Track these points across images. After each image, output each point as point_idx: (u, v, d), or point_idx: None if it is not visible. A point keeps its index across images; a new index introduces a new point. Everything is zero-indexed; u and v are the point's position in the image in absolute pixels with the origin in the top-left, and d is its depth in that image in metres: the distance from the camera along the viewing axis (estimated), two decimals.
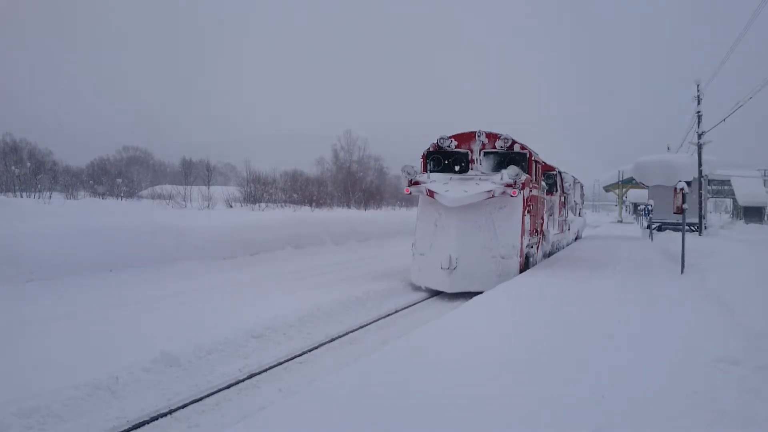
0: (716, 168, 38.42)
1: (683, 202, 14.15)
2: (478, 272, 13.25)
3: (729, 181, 58.31)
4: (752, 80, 22.83)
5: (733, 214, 65.26)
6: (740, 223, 52.02)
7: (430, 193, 13.73)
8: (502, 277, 13.08)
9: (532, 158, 15.46)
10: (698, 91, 28.22)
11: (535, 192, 15.96)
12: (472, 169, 15.08)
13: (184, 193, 39.80)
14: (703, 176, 29.57)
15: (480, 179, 14.32)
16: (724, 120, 25.37)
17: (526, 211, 14.64)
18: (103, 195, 50.55)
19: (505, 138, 14.98)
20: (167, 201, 38.50)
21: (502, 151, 15.03)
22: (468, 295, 12.12)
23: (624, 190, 66.84)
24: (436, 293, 13.50)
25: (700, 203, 29.53)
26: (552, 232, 19.82)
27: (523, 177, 14.16)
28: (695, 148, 28.82)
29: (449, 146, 15.26)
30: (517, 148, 15.08)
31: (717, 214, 73.44)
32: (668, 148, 41.43)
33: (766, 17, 20.87)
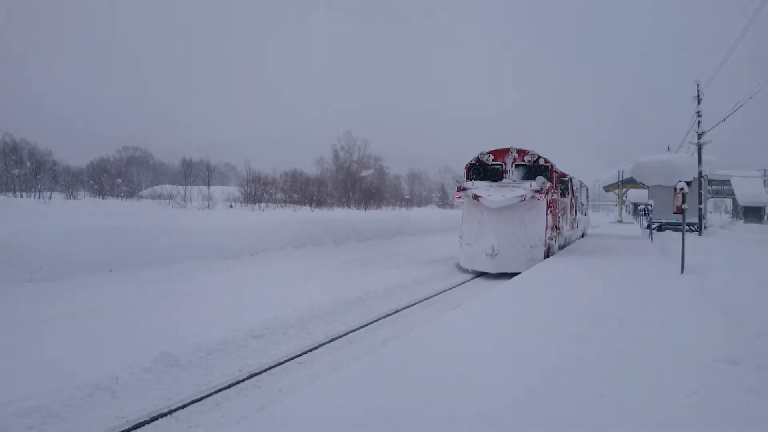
0: (716, 168, 38.34)
1: (683, 202, 14.15)
2: (514, 258, 17.03)
3: (729, 181, 58.23)
4: (752, 80, 22.85)
5: (733, 214, 65.21)
6: (740, 223, 51.94)
7: (476, 197, 17.60)
8: (531, 262, 16.90)
9: (553, 169, 19.26)
10: (698, 91, 28.19)
11: (554, 196, 19.81)
12: (505, 178, 18.85)
13: (184, 193, 39.68)
14: (702, 176, 29.50)
15: (513, 186, 18.03)
16: (724, 120, 25.34)
17: (548, 211, 18.52)
18: (103, 195, 50.57)
19: (532, 154, 18.88)
20: (167, 201, 38.43)
21: (529, 163, 18.86)
22: (504, 275, 16.18)
23: (624, 190, 66.83)
24: (480, 274, 17.29)
25: (700, 203, 29.49)
26: (565, 228, 23.61)
27: (547, 185, 17.96)
28: (695, 148, 28.79)
29: (487, 160, 19.07)
30: (541, 161, 18.89)
31: (717, 214, 73.44)
32: (668, 148, 41.37)
33: (767, 17, 20.87)
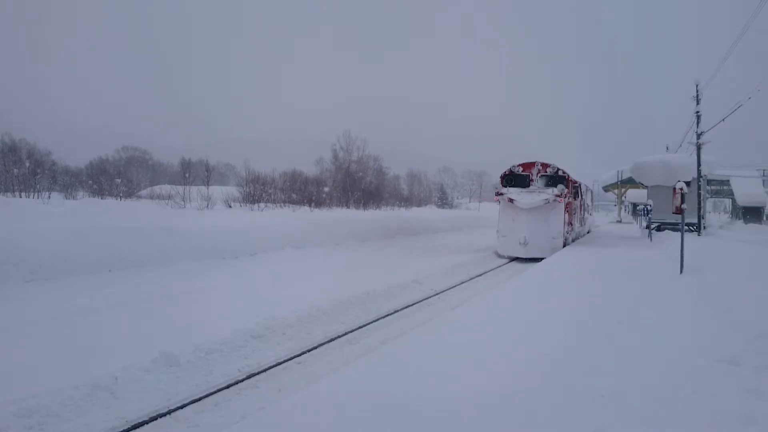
0: (715, 168, 38.20)
1: (682, 202, 14.15)
2: (540, 246, 22.10)
3: (728, 181, 58.22)
4: (752, 80, 22.86)
5: (732, 214, 65.20)
6: (739, 223, 51.88)
7: (510, 200, 22.84)
8: (553, 250, 21.69)
9: (569, 178, 24.27)
10: (697, 91, 28.19)
11: (570, 199, 24.59)
12: (531, 185, 23.90)
13: (183, 193, 39.59)
14: (702, 176, 29.49)
15: (539, 192, 23.14)
16: (723, 120, 25.32)
17: (566, 211, 23.46)
18: (102, 195, 50.51)
19: (553, 166, 24.08)
20: (166, 201, 38.36)
21: (550, 174, 24.02)
22: (532, 259, 21.12)
23: (623, 190, 66.83)
24: (514, 259, 22.27)
25: (699, 203, 29.49)
26: (576, 225, 28.54)
27: (565, 191, 23.24)
28: (694, 148, 28.79)
29: (517, 171, 24.29)
30: (560, 172, 23.97)
31: (716, 214, 73.39)
32: (667, 148, 41.39)
33: (766, 17, 20.87)
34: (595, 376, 5.54)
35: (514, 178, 24.22)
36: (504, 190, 23.63)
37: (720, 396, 4.98)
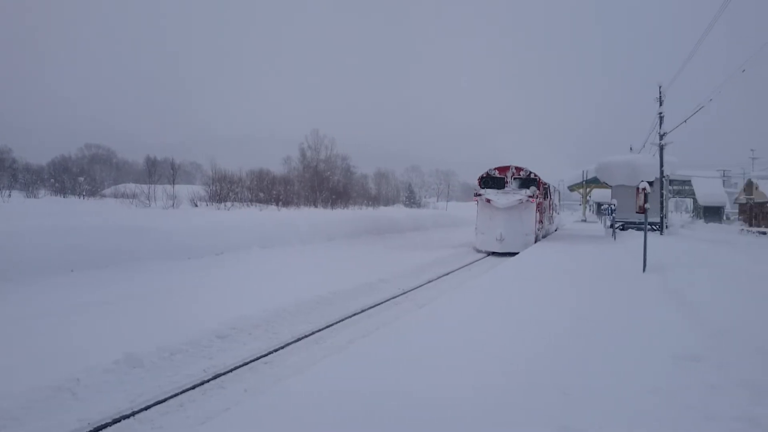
0: (678, 168, 39.05)
1: (645, 201, 14.41)
2: (515, 242, 24.18)
3: (690, 181, 59.61)
4: (715, 82, 23.39)
5: (693, 213, 66.66)
6: (700, 223, 53.17)
7: (488, 200, 25.23)
8: (526, 245, 23.84)
9: (540, 181, 26.76)
10: (660, 93, 28.75)
11: (540, 199, 27.10)
12: (506, 186, 26.10)
13: (148, 191, 38.96)
14: (664, 176, 30.14)
15: (513, 193, 25.51)
16: (685, 121, 25.94)
17: (537, 211, 26.09)
18: (64, 194, 49.55)
19: (525, 170, 26.44)
20: (131, 200, 37.76)
21: (523, 177, 26.35)
22: (507, 254, 22.77)
23: (588, 189, 67.81)
24: (491, 253, 24.29)
25: (662, 203, 30.11)
26: (546, 223, 31.28)
27: (536, 192, 25.74)
28: (657, 148, 29.37)
29: (494, 174, 26.60)
30: (532, 175, 26.35)
31: (678, 214, 75.08)
32: (631, 149, 42.14)
33: (728, 21, 21.34)
34: (559, 374, 5.60)
35: (491, 180, 26.50)
36: (482, 191, 26.09)
37: (682, 392, 5.07)
